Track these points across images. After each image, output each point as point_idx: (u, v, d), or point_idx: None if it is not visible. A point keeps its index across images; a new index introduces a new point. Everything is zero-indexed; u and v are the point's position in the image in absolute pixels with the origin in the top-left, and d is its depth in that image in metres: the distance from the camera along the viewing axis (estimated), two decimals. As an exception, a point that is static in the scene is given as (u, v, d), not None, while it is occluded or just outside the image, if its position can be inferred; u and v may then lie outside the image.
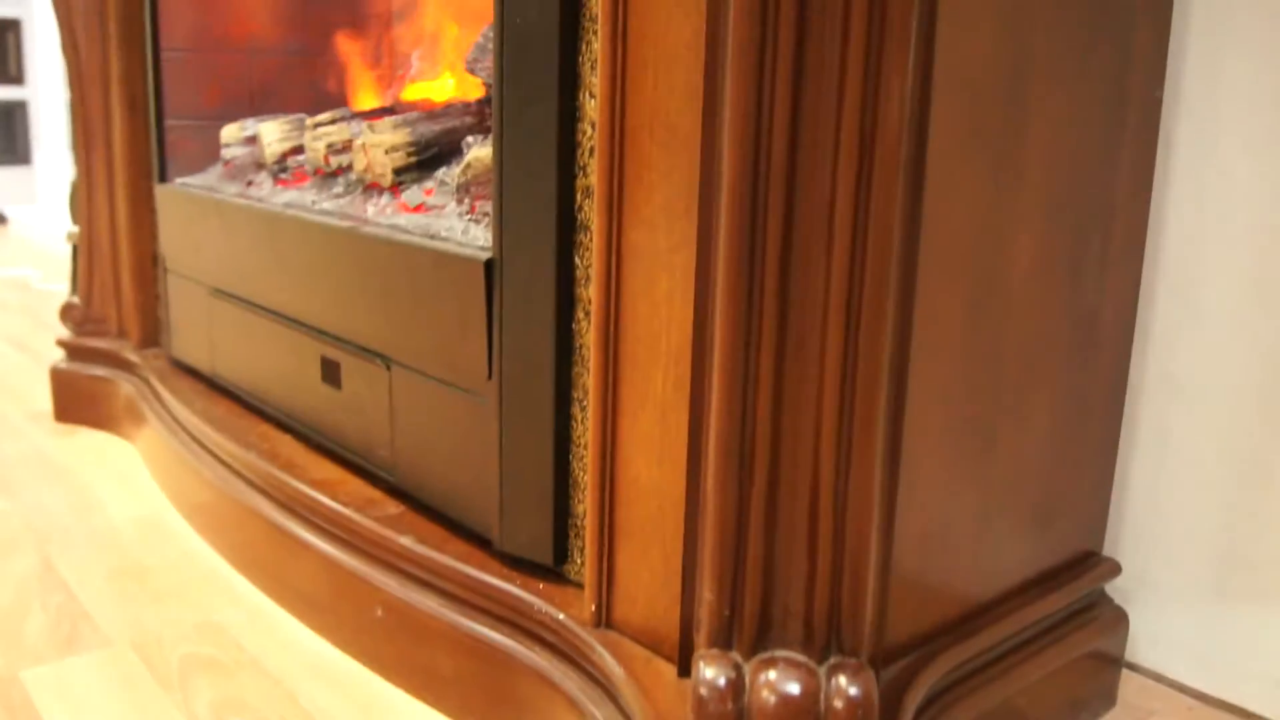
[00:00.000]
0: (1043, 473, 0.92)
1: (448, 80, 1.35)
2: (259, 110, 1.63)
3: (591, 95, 0.82)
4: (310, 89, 1.64)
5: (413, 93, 1.35)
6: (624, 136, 0.76)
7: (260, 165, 1.36)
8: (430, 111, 1.16)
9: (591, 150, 0.83)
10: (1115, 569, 1.01)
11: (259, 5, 1.59)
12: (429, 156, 1.13)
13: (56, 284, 3.00)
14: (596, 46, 0.81)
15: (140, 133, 1.63)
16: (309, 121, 1.22)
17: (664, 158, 0.74)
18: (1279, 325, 0.96)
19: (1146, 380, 1.04)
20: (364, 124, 1.21)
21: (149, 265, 1.69)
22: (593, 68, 0.82)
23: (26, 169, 4.41)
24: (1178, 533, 1.04)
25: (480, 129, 1.17)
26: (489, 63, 1.12)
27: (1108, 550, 1.03)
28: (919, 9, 0.69)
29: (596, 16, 0.81)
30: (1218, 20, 0.95)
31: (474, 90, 1.25)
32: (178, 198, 1.46)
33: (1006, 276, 0.83)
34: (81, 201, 1.77)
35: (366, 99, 1.48)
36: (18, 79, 4.36)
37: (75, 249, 2.25)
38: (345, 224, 1.11)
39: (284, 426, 1.31)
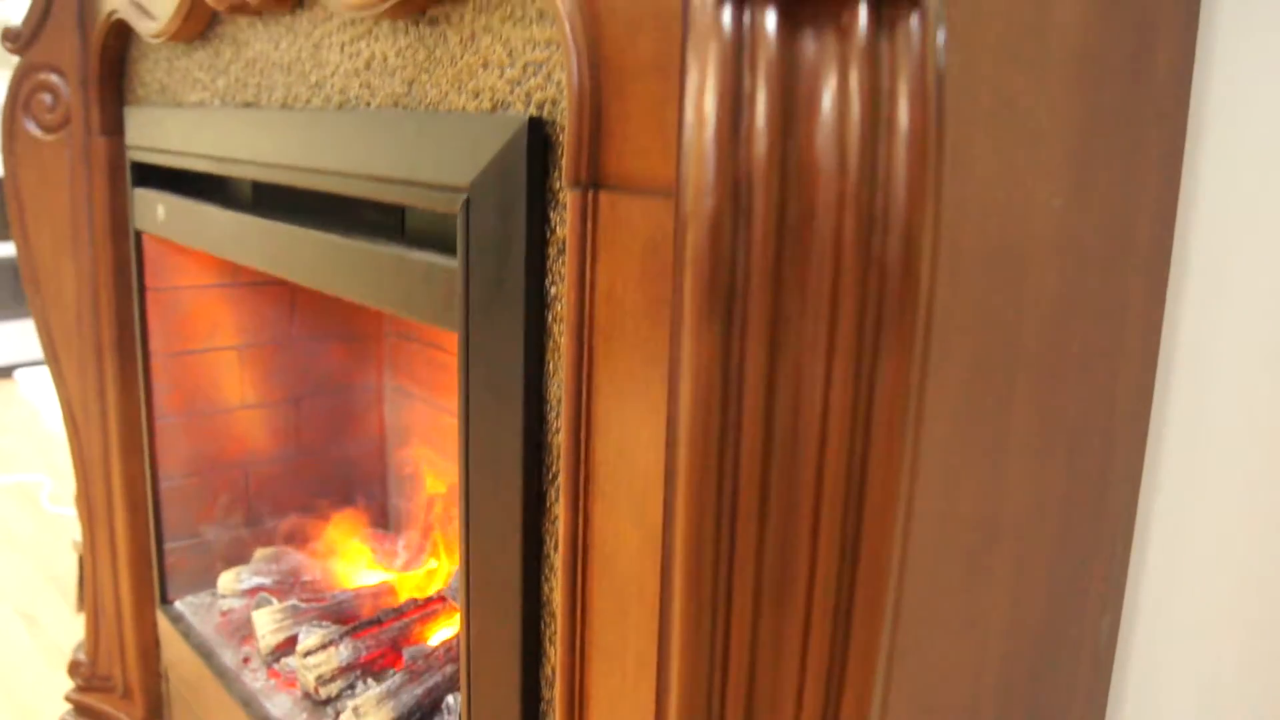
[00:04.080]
0: None
1: (432, 563, 1.41)
2: (254, 512, 1.70)
3: None
4: (304, 493, 1.71)
5: (402, 586, 1.42)
6: None
7: (253, 638, 1.43)
8: (413, 669, 1.23)
9: None
10: None
11: (256, 423, 1.66)
12: (412, 726, 1.19)
13: (67, 506, 3.07)
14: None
15: (141, 533, 1.70)
16: (299, 648, 1.29)
17: None
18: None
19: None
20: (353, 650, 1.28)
21: (153, 646, 1.76)
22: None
23: (34, 321, 4.48)
24: None
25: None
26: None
27: None
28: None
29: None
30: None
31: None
32: (180, 643, 1.54)
33: None
34: (88, 574, 1.84)
35: (352, 555, 1.55)
36: (24, 232, 4.43)
37: (81, 560, 2.32)
38: (334, 803, 1.18)
39: None
